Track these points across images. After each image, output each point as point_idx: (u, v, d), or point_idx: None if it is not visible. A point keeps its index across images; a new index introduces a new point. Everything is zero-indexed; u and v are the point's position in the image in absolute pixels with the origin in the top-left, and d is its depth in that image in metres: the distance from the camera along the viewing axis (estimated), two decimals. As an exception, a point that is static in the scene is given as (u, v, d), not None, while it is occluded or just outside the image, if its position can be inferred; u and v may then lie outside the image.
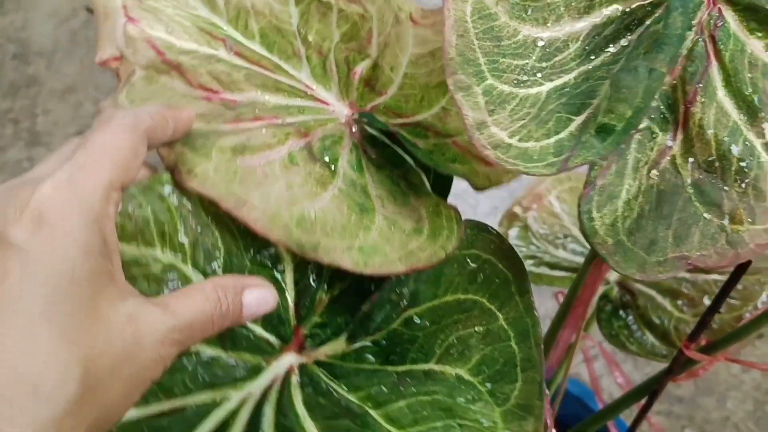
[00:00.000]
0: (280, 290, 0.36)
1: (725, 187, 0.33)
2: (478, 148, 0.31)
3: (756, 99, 0.33)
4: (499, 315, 0.35)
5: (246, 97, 0.38)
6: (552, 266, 0.63)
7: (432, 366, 0.35)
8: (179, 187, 0.34)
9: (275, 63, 0.40)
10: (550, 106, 0.33)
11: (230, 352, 0.35)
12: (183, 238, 0.34)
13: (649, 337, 0.56)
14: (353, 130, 0.39)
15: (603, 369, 0.95)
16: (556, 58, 0.35)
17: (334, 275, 0.38)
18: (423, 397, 0.34)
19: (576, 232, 0.65)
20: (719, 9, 0.34)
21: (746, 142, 0.32)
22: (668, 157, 0.33)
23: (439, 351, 0.35)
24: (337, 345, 0.37)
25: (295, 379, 0.35)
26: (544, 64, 0.35)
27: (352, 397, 0.34)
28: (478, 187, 0.37)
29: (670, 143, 0.33)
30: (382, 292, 0.37)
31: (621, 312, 0.58)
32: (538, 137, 0.32)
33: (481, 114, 0.32)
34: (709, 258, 0.32)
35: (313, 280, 0.37)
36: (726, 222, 0.32)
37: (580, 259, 0.62)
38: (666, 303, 0.57)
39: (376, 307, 0.37)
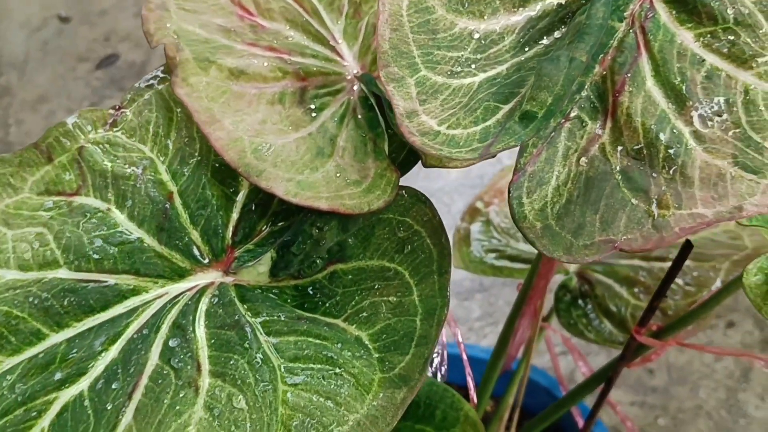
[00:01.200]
0: (228, 208, 0.41)
1: (653, 174, 0.33)
2: (404, 134, 0.32)
3: (684, 88, 0.33)
4: (415, 290, 0.36)
5: (272, 26, 0.41)
6: (513, 259, 0.63)
7: (338, 322, 0.37)
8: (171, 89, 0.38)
9: (315, 8, 0.43)
10: (480, 95, 0.34)
11: (164, 247, 0.40)
12: (170, 144, 0.41)
13: (607, 325, 0.57)
14: (354, 88, 0.41)
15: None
16: (491, 50, 0.36)
17: (280, 213, 0.41)
18: (313, 339, 0.36)
19: (537, 225, 0.66)
20: (650, 1, 0.35)
21: (674, 130, 0.33)
22: (597, 145, 0.34)
23: (350, 311, 0.37)
24: (261, 277, 0.39)
25: (210, 292, 0.38)
26: (478, 56, 0.36)
27: (248, 317, 0.36)
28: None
29: (599, 132, 0.34)
30: (302, 222, 0.39)
31: (580, 301, 0.59)
32: (466, 125, 0.33)
33: (413, 104, 0.33)
34: (635, 241, 0.32)
35: (260, 210, 0.41)
36: (653, 207, 0.33)
37: (541, 252, 0.63)
38: (623, 291, 0.58)
39: (295, 235, 0.39)
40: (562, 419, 0.69)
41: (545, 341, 0.66)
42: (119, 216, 0.40)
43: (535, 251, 0.63)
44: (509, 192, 0.34)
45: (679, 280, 0.57)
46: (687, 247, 0.42)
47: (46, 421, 0.35)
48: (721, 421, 0.96)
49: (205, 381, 0.35)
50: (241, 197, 0.41)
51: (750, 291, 0.38)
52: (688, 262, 0.59)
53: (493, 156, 0.32)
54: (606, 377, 0.51)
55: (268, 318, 0.37)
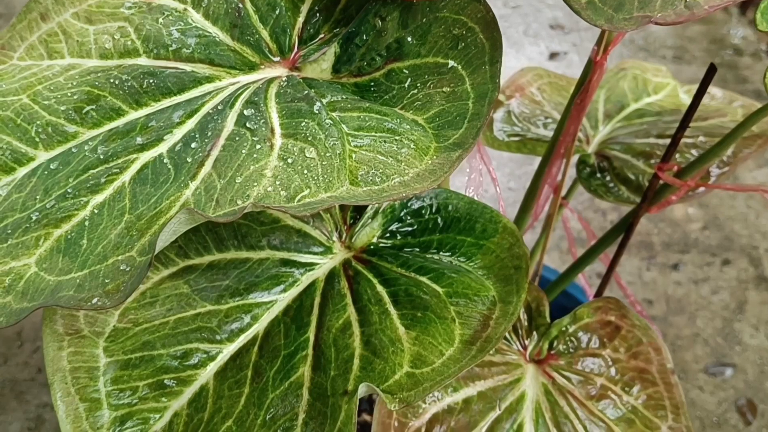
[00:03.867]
0: (295, 12, 0.44)
1: None
2: None
3: None
4: (468, 80, 0.40)
5: None
6: (534, 141, 0.67)
7: (395, 110, 0.40)
8: None
9: None
10: None
11: (236, 42, 0.43)
12: None
13: (624, 191, 0.61)
14: None
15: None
16: None
17: (342, 20, 0.44)
18: (375, 114, 0.40)
19: (557, 115, 0.70)
20: None
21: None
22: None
23: (406, 101, 0.41)
24: (324, 74, 0.43)
25: (278, 81, 0.42)
26: None
27: (314, 94, 0.40)
28: None
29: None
30: (366, 13, 0.43)
31: (598, 174, 0.63)
32: None
33: None
34: (669, 17, 0.36)
35: (324, 16, 0.45)
36: (686, -8, 0.37)
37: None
38: (640, 163, 0.62)
39: (359, 26, 0.43)
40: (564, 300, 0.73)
41: (562, 221, 0.70)
42: (195, 15, 0.44)
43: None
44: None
45: (693, 151, 0.61)
46: (711, 71, 0.46)
47: (127, 176, 0.39)
48: (717, 348, 1.00)
49: (279, 141, 0.38)
50: (306, 5, 0.45)
51: None
52: (701, 137, 0.63)
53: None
54: (626, 225, 0.55)
55: (332, 99, 0.41)
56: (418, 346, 0.41)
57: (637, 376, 0.50)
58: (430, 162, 0.38)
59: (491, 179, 0.52)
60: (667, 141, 0.63)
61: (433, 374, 0.39)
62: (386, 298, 0.43)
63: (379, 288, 0.44)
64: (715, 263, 1.10)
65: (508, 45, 1.45)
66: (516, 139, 0.68)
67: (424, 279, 0.44)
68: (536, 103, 0.71)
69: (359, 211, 0.48)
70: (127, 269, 0.35)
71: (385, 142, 0.39)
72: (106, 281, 0.35)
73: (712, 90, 0.75)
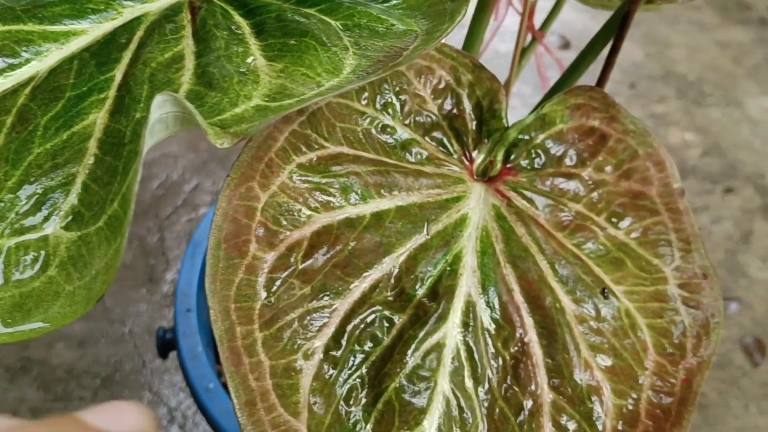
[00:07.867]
0: None
1: None
2: None
3: None
4: None
5: None
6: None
7: None
8: None
9: None
10: None
11: None
12: None
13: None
14: None
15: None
16: None
17: None
18: None
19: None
20: None
21: None
22: None
23: None
24: None
25: None
26: None
27: None
28: None
29: None
30: None
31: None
32: None
33: None
34: None
35: None
36: None
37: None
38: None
39: None
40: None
41: (535, 60, 0.54)
42: None
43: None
44: None
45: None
46: None
47: None
48: (720, 281, 0.85)
49: None
50: None
51: None
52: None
53: None
54: (621, 17, 0.40)
55: None
56: (284, 78, 0.25)
57: (629, 202, 0.34)
58: None
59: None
60: (672, -53, 0.48)
61: (297, 103, 0.24)
62: (246, 29, 0.28)
63: (238, 18, 0.28)
64: (715, 191, 0.95)
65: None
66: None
67: (310, 10, 0.29)
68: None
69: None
70: None
71: None
72: None
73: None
